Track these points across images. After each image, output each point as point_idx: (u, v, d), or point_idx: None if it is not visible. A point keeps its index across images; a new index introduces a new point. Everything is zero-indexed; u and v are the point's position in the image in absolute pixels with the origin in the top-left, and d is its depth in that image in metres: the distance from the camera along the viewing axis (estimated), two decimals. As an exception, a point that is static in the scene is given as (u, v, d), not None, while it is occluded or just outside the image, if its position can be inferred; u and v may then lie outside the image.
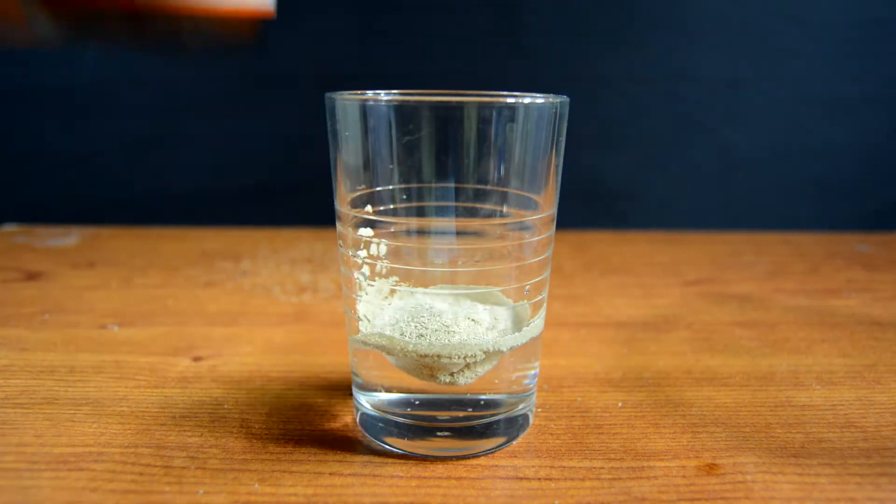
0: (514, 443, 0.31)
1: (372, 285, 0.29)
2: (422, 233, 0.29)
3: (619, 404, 0.34)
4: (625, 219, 0.78)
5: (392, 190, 0.29)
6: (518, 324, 0.30)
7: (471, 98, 0.27)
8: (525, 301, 0.30)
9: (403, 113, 0.27)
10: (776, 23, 0.72)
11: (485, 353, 0.28)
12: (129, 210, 0.76)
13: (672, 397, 0.35)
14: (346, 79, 0.72)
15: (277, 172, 0.76)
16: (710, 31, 0.72)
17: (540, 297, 0.30)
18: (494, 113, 0.27)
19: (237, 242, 0.67)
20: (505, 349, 0.28)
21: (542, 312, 0.31)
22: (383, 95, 0.28)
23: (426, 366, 0.28)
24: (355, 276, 0.29)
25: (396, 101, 0.27)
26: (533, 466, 0.29)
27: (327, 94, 0.29)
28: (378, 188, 0.29)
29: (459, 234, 0.29)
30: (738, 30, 0.72)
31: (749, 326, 0.46)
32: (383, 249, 0.29)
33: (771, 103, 0.74)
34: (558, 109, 0.28)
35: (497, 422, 0.30)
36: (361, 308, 0.30)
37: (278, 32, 0.71)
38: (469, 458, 0.29)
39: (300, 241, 0.68)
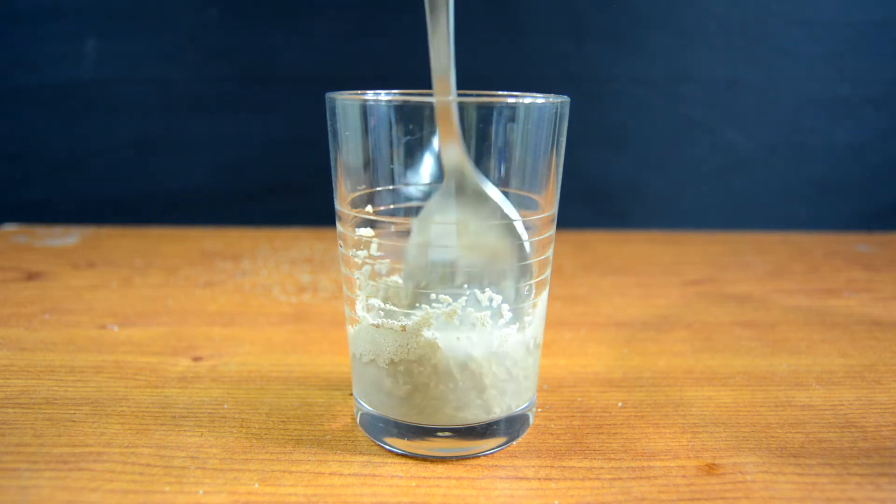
0: (514, 443, 0.31)
1: (372, 285, 0.29)
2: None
3: (619, 404, 0.34)
4: (625, 219, 0.78)
5: (392, 190, 0.29)
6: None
7: (471, 98, 0.27)
8: (526, 300, 0.30)
9: (403, 113, 0.27)
10: (776, 23, 0.72)
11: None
12: (129, 210, 0.76)
13: (672, 397, 0.35)
14: (346, 79, 0.72)
15: (277, 172, 0.76)
16: (710, 31, 0.72)
17: (540, 296, 0.30)
18: (494, 113, 0.27)
19: (237, 242, 0.67)
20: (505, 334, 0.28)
21: (543, 312, 0.31)
22: (383, 95, 0.28)
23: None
24: (355, 276, 0.29)
25: (396, 101, 0.27)
26: (533, 466, 0.29)
27: (327, 94, 0.29)
28: (378, 188, 0.29)
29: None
30: (738, 30, 0.72)
31: (749, 326, 0.46)
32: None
33: (771, 103, 0.74)
34: (559, 109, 0.28)
35: (497, 422, 0.30)
36: (361, 308, 0.30)
37: (278, 32, 0.71)
38: (469, 458, 0.29)
39: (300, 241, 0.68)
